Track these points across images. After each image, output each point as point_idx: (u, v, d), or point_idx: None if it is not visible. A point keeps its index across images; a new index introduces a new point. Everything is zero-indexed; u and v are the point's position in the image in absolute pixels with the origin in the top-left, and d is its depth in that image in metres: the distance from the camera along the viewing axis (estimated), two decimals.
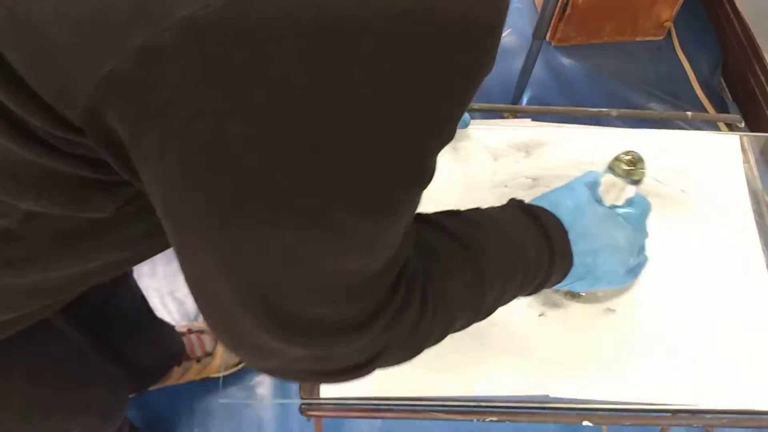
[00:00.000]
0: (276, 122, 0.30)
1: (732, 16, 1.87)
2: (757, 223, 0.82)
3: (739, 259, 0.79)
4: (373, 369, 0.47)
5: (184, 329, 1.27)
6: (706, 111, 1.78)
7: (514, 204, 0.62)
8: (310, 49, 0.28)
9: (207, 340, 1.26)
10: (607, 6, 1.77)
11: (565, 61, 1.82)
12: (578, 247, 0.60)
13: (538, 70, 1.68)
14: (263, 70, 0.28)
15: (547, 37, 1.82)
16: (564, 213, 0.61)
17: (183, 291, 1.41)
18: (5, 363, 0.58)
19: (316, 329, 0.41)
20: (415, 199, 0.39)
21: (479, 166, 0.86)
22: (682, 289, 0.76)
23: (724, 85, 1.90)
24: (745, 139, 0.91)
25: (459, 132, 0.86)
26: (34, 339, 0.57)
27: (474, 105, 0.92)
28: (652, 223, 0.68)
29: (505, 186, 0.84)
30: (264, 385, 1.31)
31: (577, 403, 0.69)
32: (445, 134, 0.36)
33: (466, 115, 0.87)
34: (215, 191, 0.33)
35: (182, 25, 0.27)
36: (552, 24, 1.77)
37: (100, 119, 0.32)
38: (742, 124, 0.98)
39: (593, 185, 0.66)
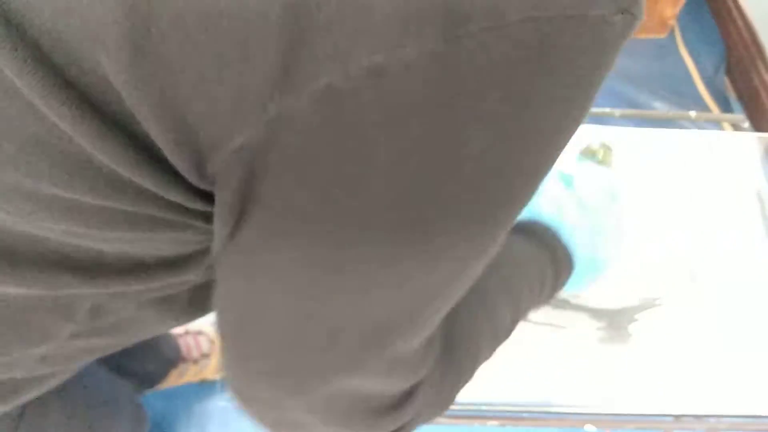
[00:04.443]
0: (412, 180, 0.30)
1: (736, 14, 1.86)
2: (763, 223, 0.81)
3: (744, 260, 0.78)
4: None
5: (181, 331, 1.26)
6: (709, 109, 1.78)
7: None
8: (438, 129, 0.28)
9: (203, 341, 1.26)
10: None
11: None
12: (575, 243, 0.61)
13: None
14: (398, 143, 0.28)
15: None
16: (549, 218, 0.62)
17: None
18: (41, 396, 0.58)
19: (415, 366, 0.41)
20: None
21: None
22: (685, 291, 0.75)
23: (728, 83, 1.89)
24: (749, 138, 0.90)
25: None
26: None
27: None
28: (655, 223, 0.68)
29: None
30: None
31: (579, 408, 0.69)
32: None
33: None
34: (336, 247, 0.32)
35: (321, 94, 0.27)
36: None
37: (221, 189, 0.32)
38: (746, 124, 0.98)
39: (565, 179, 0.67)
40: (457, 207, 0.31)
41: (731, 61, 1.88)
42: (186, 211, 0.36)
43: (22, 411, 0.59)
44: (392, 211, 0.31)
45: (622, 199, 0.69)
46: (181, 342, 1.23)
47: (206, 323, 1.32)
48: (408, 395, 0.42)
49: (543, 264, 0.59)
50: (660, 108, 1.76)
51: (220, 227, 0.34)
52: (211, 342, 1.27)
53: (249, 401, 0.42)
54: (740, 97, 1.84)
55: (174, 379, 1.22)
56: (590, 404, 0.69)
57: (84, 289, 0.41)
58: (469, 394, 0.68)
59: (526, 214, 0.63)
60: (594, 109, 0.99)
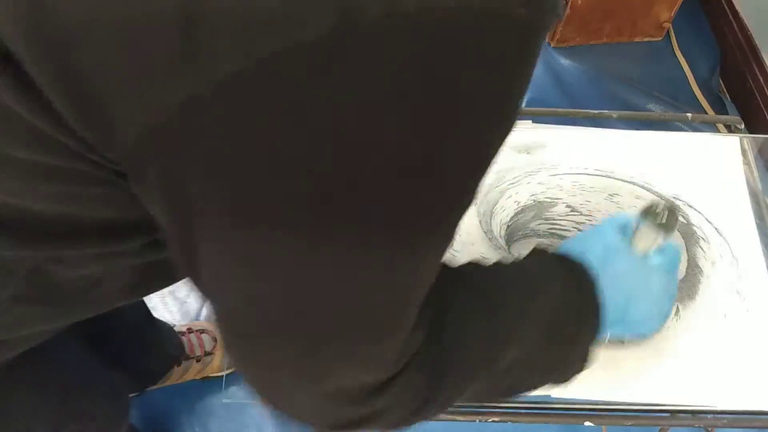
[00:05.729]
0: (318, 163, 0.30)
1: (731, 17, 1.87)
2: (757, 224, 0.82)
3: (738, 259, 0.79)
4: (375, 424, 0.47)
5: (183, 329, 1.26)
6: (704, 112, 1.79)
7: (541, 253, 0.60)
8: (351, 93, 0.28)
9: (207, 339, 1.26)
10: (606, 7, 1.77)
11: (565, 61, 1.83)
12: (608, 293, 0.57)
13: (538, 71, 1.68)
14: (301, 120, 0.29)
15: (547, 38, 1.82)
16: (594, 259, 0.58)
17: (184, 291, 1.41)
18: (11, 371, 0.58)
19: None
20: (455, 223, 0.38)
21: None
22: (682, 290, 0.76)
23: (723, 86, 1.91)
24: (744, 140, 0.91)
25: None
26: (40, 346, 0.57)
27: None
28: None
29: (510, 184, 0.84)
30: None
31: (578, 404, 0.69)
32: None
33: None
34: (258, 231, 0.33)
35: (227, 81, 0.27)
36: None
37: (138, 167, 0.33)
38: (742, 126, 0.98)
39: (624, 228, 0.64)
40: (373, 193, 0.31)
41: (726, 63, 1.90)
42: (111, 169, 0.36)
43: None
44: (310, 197, 0.31)
45: (679, 270, 0.66)
46: (185, 339, 1.24)
47: (210, 321, 1.33)
48: (377, 391, 0.43)
49: (570, 309, 0.56)
50: (655, 110, 1.77)
51: (156, 210, 0.35)
52: (214, 340, 1.27)
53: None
54: (735, 99, 1.85)
55: (177, 377, 1.23)
56: (589, 401, 0.69)
57: (18, 252, 0.42)
58: None
59: (575, 246, 0.61)
60: (591, 111, 1.00)
